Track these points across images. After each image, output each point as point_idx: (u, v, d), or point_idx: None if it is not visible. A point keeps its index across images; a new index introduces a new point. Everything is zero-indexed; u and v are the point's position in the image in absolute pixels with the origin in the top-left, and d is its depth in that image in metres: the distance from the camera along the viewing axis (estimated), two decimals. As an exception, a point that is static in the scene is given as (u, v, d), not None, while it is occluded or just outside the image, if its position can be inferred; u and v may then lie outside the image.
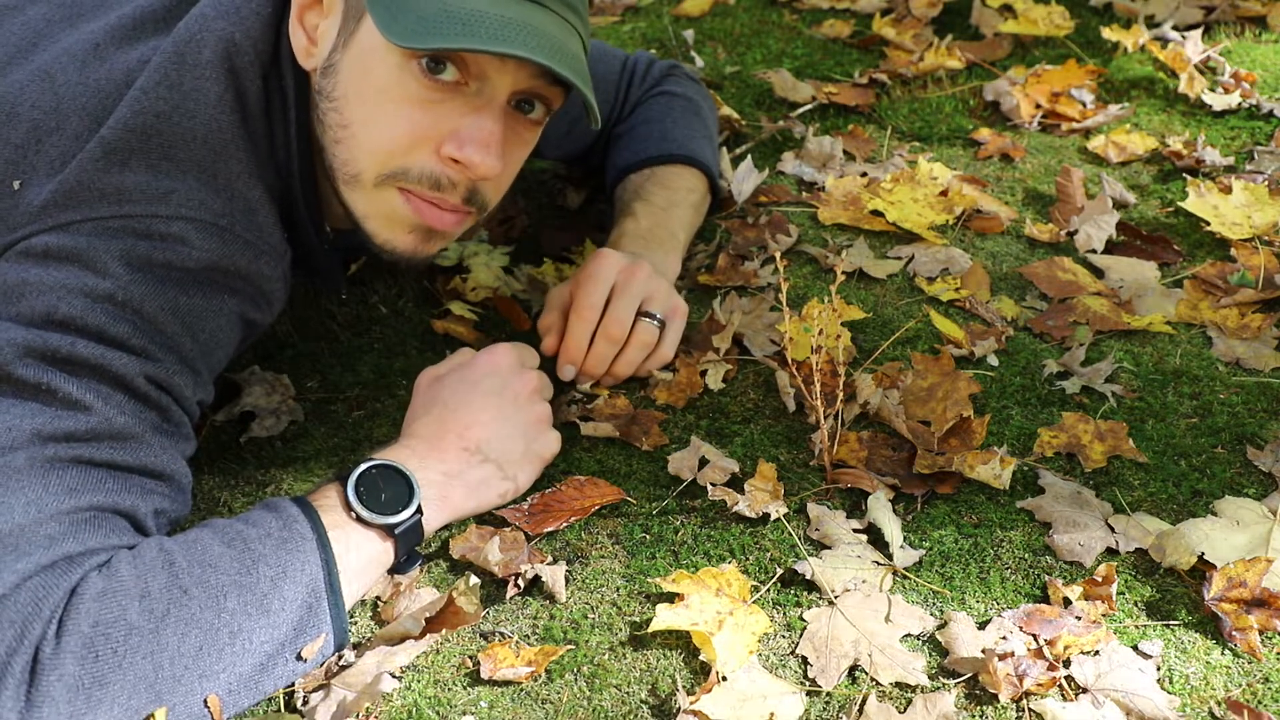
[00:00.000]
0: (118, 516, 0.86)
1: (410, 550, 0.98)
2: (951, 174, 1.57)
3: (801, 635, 0.92)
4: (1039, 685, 0.86)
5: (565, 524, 1.04)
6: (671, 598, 0.94)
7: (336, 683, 0.88)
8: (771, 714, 0.85)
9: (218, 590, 0.84)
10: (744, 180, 1.57)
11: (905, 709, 0.85)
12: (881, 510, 1.01)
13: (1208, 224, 1.44)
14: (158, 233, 0.93)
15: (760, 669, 0.89)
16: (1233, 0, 2.03)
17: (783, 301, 1.08)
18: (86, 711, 0.77)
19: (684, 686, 0.88)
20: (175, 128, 0.95)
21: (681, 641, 0.92)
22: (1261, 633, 0.91)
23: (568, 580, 0.98)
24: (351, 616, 0.96)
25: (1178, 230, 1.47)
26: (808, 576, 0.97)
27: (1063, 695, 0.86)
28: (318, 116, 1.02)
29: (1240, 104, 1.73)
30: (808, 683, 0.88)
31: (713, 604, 0.93)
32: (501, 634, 0.94)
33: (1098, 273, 1.38)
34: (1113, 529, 1.00)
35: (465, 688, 0.89)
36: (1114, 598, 0.93)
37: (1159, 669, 0.88)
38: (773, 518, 1.03)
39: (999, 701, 0.86)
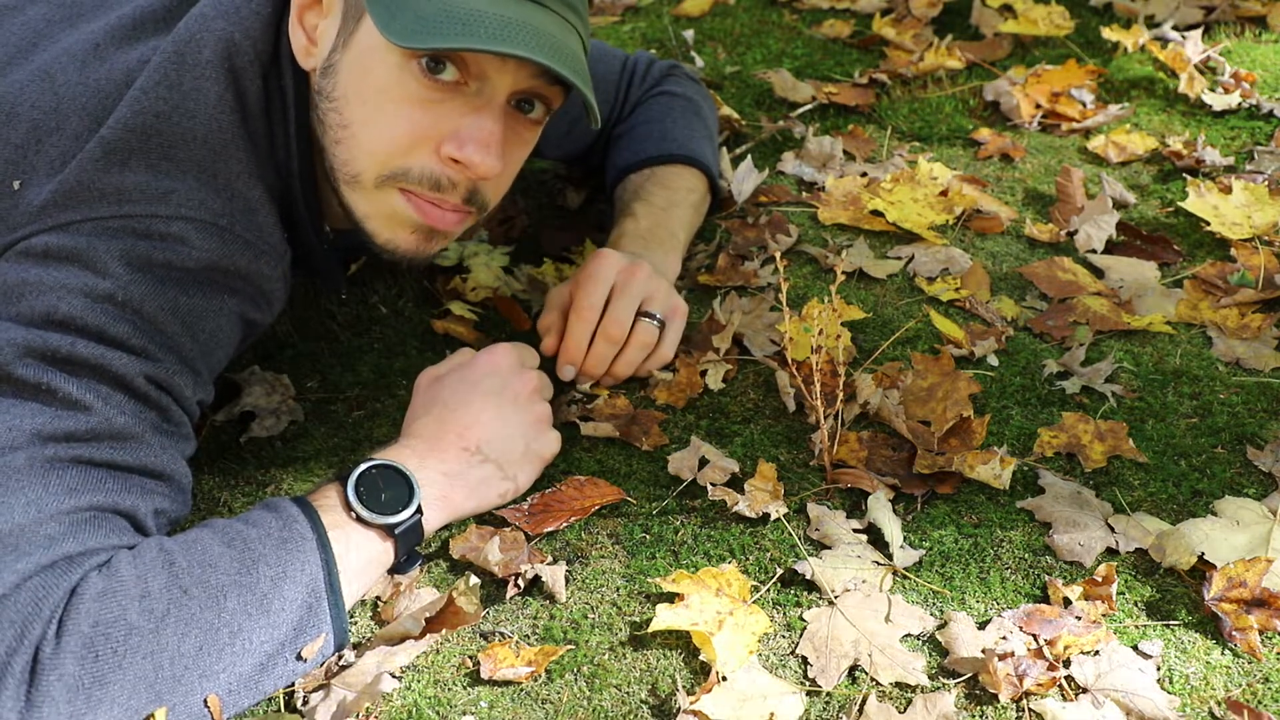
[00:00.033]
0: (118, 516, 0.86)
1: (410, 550, 0.98)
2: (951, 174, 1.57)
3: (801, 635, 0.92)
4: (1039, 685, 0.86)
5: (565, 524, 1.04)
6: (671, 598, 0.94)
7: (336, 683, 0.88)
8: (771, 714, 0.85)
9: (218, 590, 0.84)
10: (744, 180, 1.57)
11: (905, 709, 0.85)
12: (881, 510, 1.01)
13: (1208, 224, 1.44)
14: (158, 233, 0.93)
15: (760, 669, 0.89)
16: (1233, 0, 2.03)
17: (783, 301, 1.08)
18: (86, 711, 0.77)
19: (684, 686, 0.88)
20: (175, 128, 0.95)
21: (681, 641, 0.92)
22: (1261, 633, 0.91)
23: (568, 580, 0.98)
24: (351, 616, 0.96)
25: (1178, 230, 1.47)
26: (808, 576, 0.97)
27: (1063, 695, 0.86)
28: (317, 117, 1.02)
29: (1240, 104, 1.73)
30: (808, 683, 0.88)
31: (713, 604, 0.93)
32: (501, 634, 0.94)
33: (1098, 273, 1.38)
34: (1113, 529, 1.00)
35: (465, 688, 0.89)
36: (1114, 598, 0.93)
37: (1159, 669, 0.88)
38: (773, 518, 1.03)
39: (999, 701, 0.86)
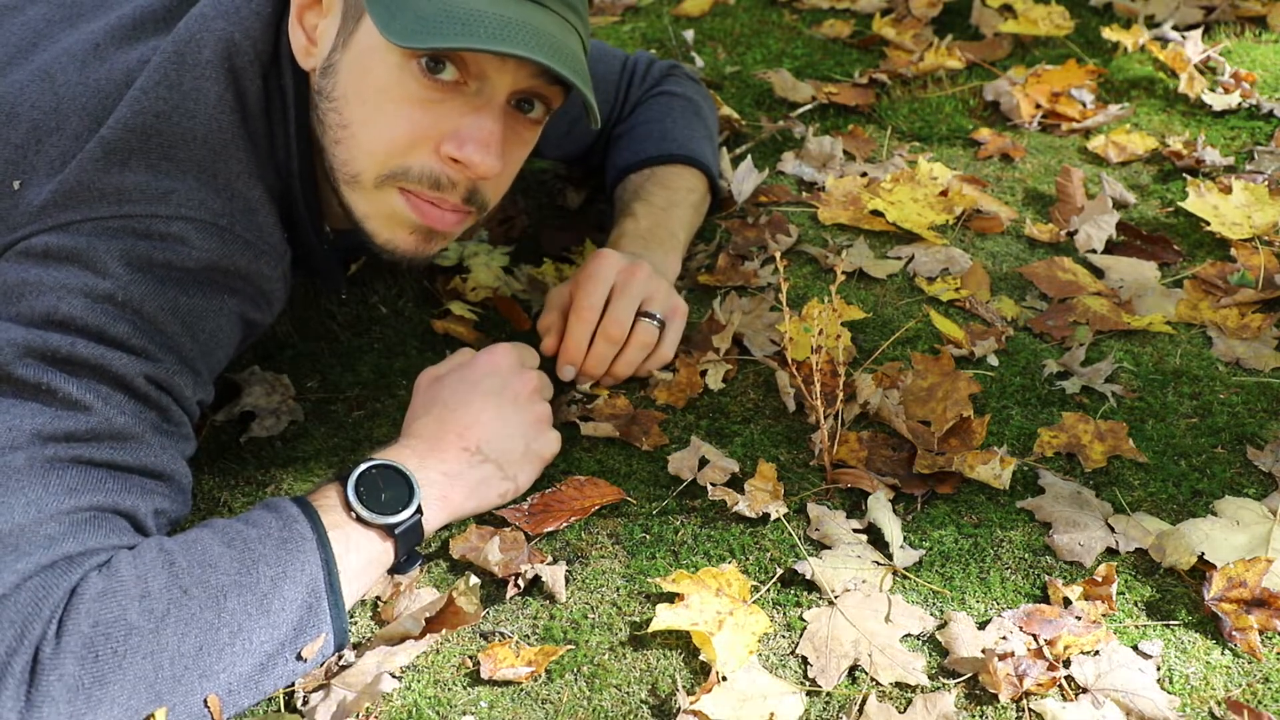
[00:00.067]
0: (118, 516, 0.86)
1: (410, 550, 0.98)
2: (951, 174, 1.57)
3: (801, 635, 0.92)
4: (1039, 685, 0.86)
5: (565, 524, 1.04)
6: (671, 598, 0.94)
7: (336, 683, 0.88)
8: (771, 714, 0.85)
9: (218, 590, 0.84)
10: (744, 180, 1.57)
11: (905, 709, 0.85)
12: (881, 510, 1.01)
13: (1208, 224, 1.44)
14: (158, 233, 0.93)
15: (760, 669, 0.89)
16: (1233, 0, 2.03)
17: (783, 301, 1.08)
18: (86, 711, 0.77)
19: (684, 686, 0.88)
20: (175, 128, 0.95)
21: (681, 641, 0.92)
22: (1261, 633, 0.91)
23: (568, 580, 0.98)
24: (351, 616, 0.96)
25: (1178, 230, 1.47)
26: (808, 576, 0.97)
27: (1063, 695, 0.86)
28: (317, 117, 1.02)
29: (1240, 104, 1.73)
30: (808, 683, 0.88)
31: (713, 604, 0.93)
32: (501, 634, 0.94)
33: (1098, 273, 1.38)
34: (1113, 529, 1.00)
35: (465, 688, 0.89)
36: (1114, 598, 0.93)
37: (1159, 669, 0.88)
38: (773, 518, 1.03)
39: (999, 701, 0.86)
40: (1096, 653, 0.88)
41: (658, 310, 1.20)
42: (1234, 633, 0.91)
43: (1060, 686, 0.87)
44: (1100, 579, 0.94)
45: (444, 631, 0.93)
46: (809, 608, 0.94)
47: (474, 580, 0.97)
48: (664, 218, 1.34)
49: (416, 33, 0.91)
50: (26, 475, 0.82)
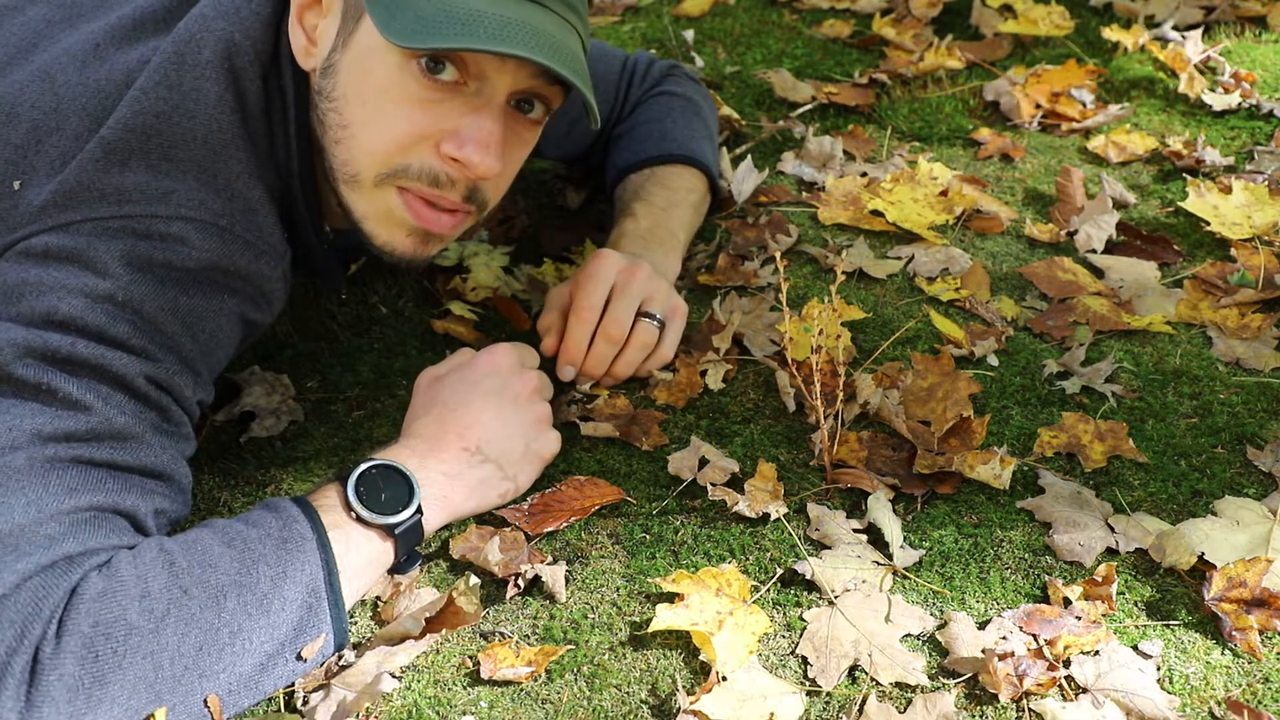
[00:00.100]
0: (118, 516, 0.86)
1: (410, 550, 0.98)
2: (951, 174, 1.57)
3: (801, 635, 0.92)
4: (1039, 685, 0.86)
5: (565, 524, 1.04)
6: (671, 598, 0.94)
7: (336, 683, 0.88)
8: (771, 714, 0.85)
9: (218, 590, 0.84)
10: (744, 180, 1.57)
11: (905, 709, 0.85)
12: (881, 510, 1.01)
13: (1208, 224, 1.44)
14: (158, 233, 0.93)
15: (760, 669, 0.89)
16: (1233, 0, 2.03)
17: (783, 301, 1.08)
18: (86, 711, 0.77)
19: (684, 686, 0.88)
20: (175, 128, 0.95)
21: (681, 641, 0.92)
22: (1261, 633, 0.91)
23: (568, 580, 0.98)
24: (351, 616, 0.96)
25: (1178, 230, 1.47)
26: (808, 576, 0.97)
27: (1063, 695, 0.86)
28: (317, 117, 1.02)
29: (1240, 104, 1.73)
30: (808, 683, 0.88)
31: (713, 604, 0.93)
32: (501, 634, 0.94)
33: (1098, 273, 1.38)
34: (1113, 529, 1.00)
35: (465, 688, 0.89)
36: (1114, 598, 0.93)
37: (1159, 669, 0.88)
38: (773, 518, 1.03)
39: (999, 701, 0.86)
40: (1096, 653, 0.88)
41: (658, 310, 1.20)
42: (1234, 633, 0.91)
43: (1060, 686, 0.87)
44: (1100, 579, 0.94)
45: (444, 631, 0.93)
46: (809, 608, 0.94)
47: (474, 580, 0.97)
48: (664, 218, 1.34)
49: (416, 33, 0.91)
50: (26, 475, 0.82)
